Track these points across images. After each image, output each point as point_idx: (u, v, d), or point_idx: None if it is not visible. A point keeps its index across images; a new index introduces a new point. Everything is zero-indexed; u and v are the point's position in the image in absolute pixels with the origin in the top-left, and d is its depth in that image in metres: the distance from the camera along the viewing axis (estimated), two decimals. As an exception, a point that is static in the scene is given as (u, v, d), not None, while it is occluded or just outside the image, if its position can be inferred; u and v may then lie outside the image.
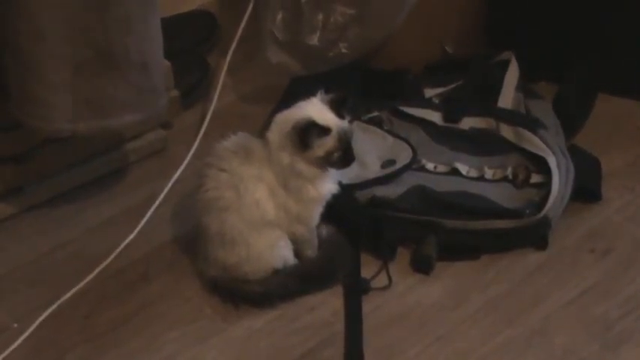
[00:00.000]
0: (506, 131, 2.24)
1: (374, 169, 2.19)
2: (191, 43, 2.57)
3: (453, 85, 2.41)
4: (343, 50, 2.34)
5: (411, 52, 2.45)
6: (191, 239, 2.07)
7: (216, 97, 2.38)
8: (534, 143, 2.19)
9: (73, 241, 2.16)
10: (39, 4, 1.89)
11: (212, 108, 2.36)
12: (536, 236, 2.10)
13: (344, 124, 1.92)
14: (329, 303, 2.01)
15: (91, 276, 2.05)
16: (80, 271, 2.06)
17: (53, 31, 1.92)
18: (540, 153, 2.17)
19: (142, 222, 2.14)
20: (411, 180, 2.17)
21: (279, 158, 1.91)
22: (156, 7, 2.01)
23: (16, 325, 1.99)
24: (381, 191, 2.14)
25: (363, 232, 2.09)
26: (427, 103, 2.35)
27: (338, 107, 1.92)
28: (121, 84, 2.00)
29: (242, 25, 2.39)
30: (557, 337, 1.93)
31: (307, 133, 1.88)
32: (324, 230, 2.06)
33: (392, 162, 2.20)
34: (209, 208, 1.96)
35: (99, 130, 2.04)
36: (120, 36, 1.96)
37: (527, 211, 2.08)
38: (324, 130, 1.89)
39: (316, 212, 1.99)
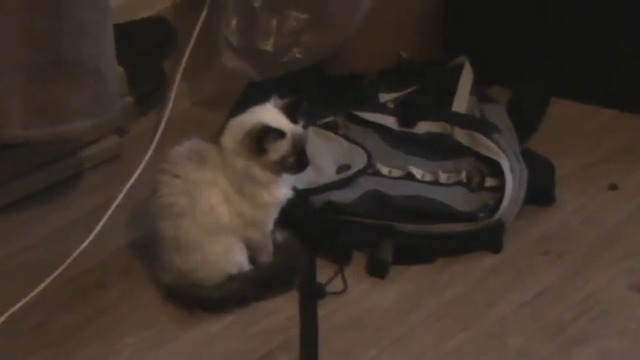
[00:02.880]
0: (461, 135, 2.25)
1: (329, 174, 2.19)
2: (147, 50, 2.55)
3: (408, 90, 2.42)
4: (297, 55, 2.34)
5: (366, 57, 2.46)
6: (146, 245, 2.06)
7: (171, 103, 2.37)
8: (488, 147, 2.20)
9: (27, 249, 2.14)
10: (-11, 11, 1.88)
11: (167, 114, 2.35)
12: (490, 239, 2.10)
13: (298, 128, 1.93)
14: (285, 308, 2.01)
15: (45, 283, 2.03)
16: (34, 279, 2.04)
17: (5, 38, 1.91)
18: (494, 157, 2.18)
19: (97, 228, 2.12)
20: (366, 184, 2.18)
21: (233, 163, 1.91)
22: (109, 14, 2.01)
23: (-32, 334, 1.98)
24: (336, 196, 2.14)
25: (318, 236, 2.09)
26: (382, 108, 2.35)
27: (292, 112, 1.93)
28: (74, 90, 1.99)
29: (196, 30, 2.39)
30: (511, 339, 1.94)
31: (262, 137, 1.89)
32: (279, 235, 2.06)
33: (347, 167, 2.20)
34: (164, 214, 1.95)
35: (52, 136, 2.03)
36: (73, 42, 1.95)
37: (482, 215, 2.09)
38: (279, 135, 1.90)
39: (271, 217, 1.99)
